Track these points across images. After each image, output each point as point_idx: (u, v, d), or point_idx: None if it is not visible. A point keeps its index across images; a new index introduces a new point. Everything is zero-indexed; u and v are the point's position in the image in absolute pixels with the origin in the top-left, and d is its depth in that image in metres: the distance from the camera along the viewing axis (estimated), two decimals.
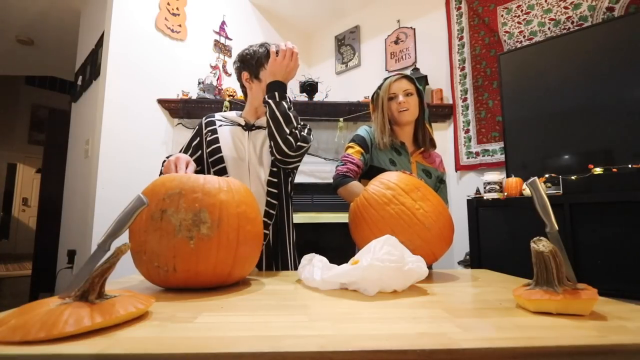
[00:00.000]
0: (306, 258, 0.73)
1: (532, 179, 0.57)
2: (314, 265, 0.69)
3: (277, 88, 0.96)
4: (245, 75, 1.08)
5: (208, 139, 1.05)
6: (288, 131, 0.92)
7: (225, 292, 0.61)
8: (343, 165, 1.09)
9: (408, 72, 2.49)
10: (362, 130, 1.17)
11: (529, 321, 0.43)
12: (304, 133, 0.96)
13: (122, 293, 0.45)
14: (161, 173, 0.94)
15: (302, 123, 1.00)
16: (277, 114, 0.93)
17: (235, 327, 0.41)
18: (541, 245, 0.49)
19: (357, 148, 1.12)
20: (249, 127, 1.07)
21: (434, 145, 1.19)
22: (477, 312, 0.48)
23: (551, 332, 0.39)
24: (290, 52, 0.96)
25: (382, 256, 0.58)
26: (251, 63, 1.06)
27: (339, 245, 2.46)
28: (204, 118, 1.11)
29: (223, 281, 0.64)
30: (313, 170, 2.30)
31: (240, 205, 0.64)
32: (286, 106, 0.95)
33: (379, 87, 1.16)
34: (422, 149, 1.18)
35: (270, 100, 0.95)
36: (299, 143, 0.93)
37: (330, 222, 2.16)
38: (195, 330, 0.39)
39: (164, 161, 0.94)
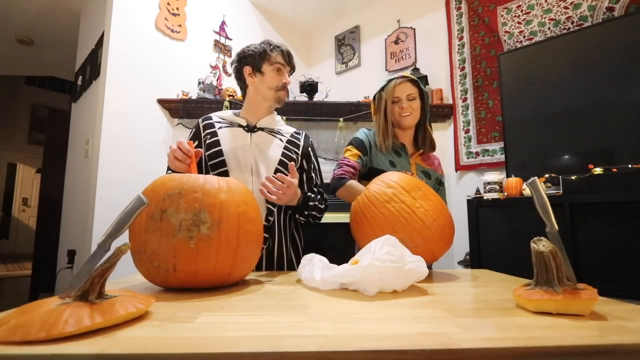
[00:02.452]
0: (306, 258, 0.73)
1: (532, 179, 0.57)
2: (314, 265, 0.69)
3: (299, 208, 0.99)
4: (247, 69, 1.05)
5: (207, 141, 1.02)
6: (321, 214, 1.07)
7: (225, 292, 0.61)
8: (339, 168, 1.10)
9: (408, 72, 2.49)
10: (361, 132, 1.17)
11: (529, 321, 0.43)
12: (324, 201, 1.07)
13: (122, 293, 0.45)
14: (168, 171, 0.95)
15: (321, 192, 1.09)
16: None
17: (235, 327, 0.41)
18: (541, 245, 0.50)
19: (354, 151, 1.12)
20: (251, 129, 1.05)
21: (433, 148, 1.19)
22: (477, 312, 0.48)
23: (551, 332, 0.39)
24: (277, 190, 0.88)
25: (382, 256, 0.58)
26: (254, 57, 1.04)
27: (339, 245, 2.46)
28: (200, 120, 1.08)
29: (223, 281, 0.64)
30: None
31: (240, 205, 0.64)
32: (314, 212, 1.03)
33: (382, 89, 1.15)
34: (422, 150, 1.18)
35: (303, 219, 1.06)
36: (324, 212, 1.08)
37: (330, 222, 2.16)
38: (195, 330, 0.39)
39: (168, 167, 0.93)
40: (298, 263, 1.03)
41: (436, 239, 0.77)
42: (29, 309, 0.38)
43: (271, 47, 1.04)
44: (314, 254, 0.74)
